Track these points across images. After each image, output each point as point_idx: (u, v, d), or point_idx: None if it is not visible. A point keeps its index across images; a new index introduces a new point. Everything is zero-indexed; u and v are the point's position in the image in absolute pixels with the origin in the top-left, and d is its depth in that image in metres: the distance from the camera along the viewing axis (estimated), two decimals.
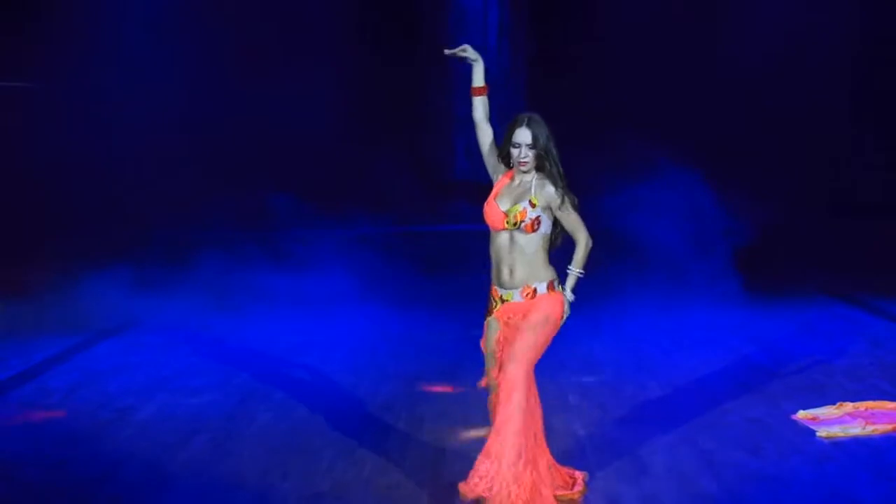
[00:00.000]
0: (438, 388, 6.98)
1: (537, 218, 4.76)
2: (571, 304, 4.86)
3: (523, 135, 4.78)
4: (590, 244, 4.84)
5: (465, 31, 12.69)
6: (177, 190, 11.63)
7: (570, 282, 4.84)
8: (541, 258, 4.81)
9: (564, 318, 4.83)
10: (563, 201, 4.77)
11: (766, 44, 12.37)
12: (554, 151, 4.78)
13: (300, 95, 12.16)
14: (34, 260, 10.21)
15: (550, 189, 4.77)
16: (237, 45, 12.09)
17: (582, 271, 4.84)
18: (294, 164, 12.09)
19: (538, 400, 4.78)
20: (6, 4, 11.39)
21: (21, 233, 10.70)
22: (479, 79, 4.96)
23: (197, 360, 7.79)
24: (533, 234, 4.77)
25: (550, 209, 4.79)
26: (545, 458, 4.84)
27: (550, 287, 4.81)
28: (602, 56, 12.51)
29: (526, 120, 4.81)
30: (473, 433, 5.77)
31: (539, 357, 4.77)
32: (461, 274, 9.61)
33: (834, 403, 6.20)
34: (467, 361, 7.23)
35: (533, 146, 4.77)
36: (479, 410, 5.46)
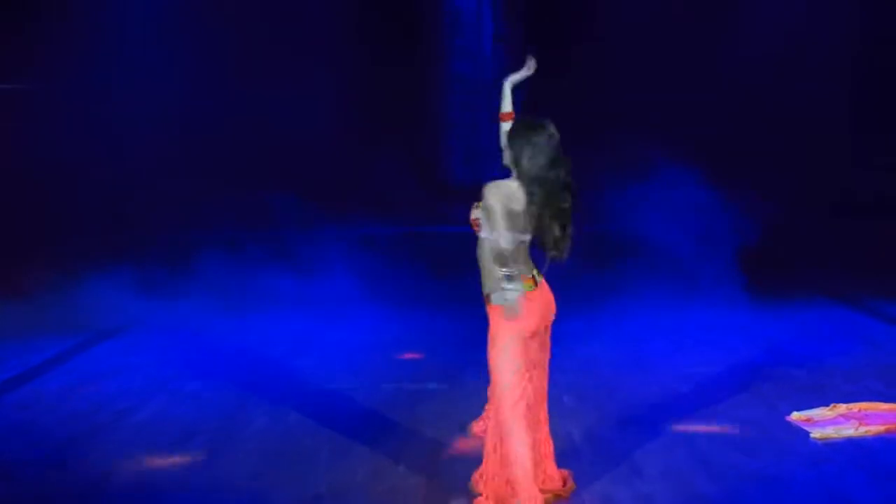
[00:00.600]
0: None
1: (476, 219, 4.76)
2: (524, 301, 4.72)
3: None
4: (498, 247, 4.60)
5: (459, 34, 12.69)
6: (175, 191, 11.63)
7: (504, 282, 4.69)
8: (487, 268, 4.75)
9: (511, 317, 4.68)
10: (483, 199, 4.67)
11: (765, 44, 12.36)
12: (513, 149, 4.70)
13: (298, 96, 12.17)
14: (32, 260, 10.22)
15: (484, 190, 4.66)
16: (235, 47, 12.09)
17: (507, 271, 4.63)
18: (293, 165, 12.09)
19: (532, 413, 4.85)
20: (5, 5, 11.39)
21: (19, 233, 10.71)
22: (507, 104, 5.15)
23: (194, 362, 7.80)
24: (480, 238, 4.76)
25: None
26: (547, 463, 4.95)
27: (487, 301, 4.77)
28: (597, 58, 12.51)
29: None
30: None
31: (505, 375, 4.69)
32: (460, 276, 9.62)
33: (828, 405, 6.22)
34: (465, 363, 7.25)
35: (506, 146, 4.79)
36: (479, 413, 5.49)
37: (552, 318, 4.93)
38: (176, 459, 5.60)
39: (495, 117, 5.31)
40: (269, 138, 12.21)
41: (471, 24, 12.64)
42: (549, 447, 5.01)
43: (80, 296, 9.50)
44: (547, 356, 4.96)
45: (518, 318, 4.68)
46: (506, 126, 5.04)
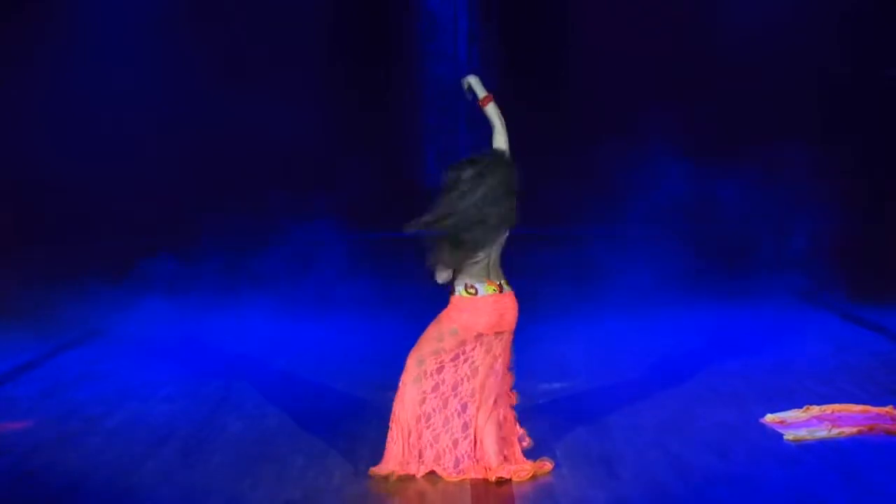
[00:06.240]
0: None
1: None
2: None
3: None
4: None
5: (435, 39, 12.70)
6: (146, 196, 11.56)
7: None
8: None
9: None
10: None
11: (738, 41, 12.34)
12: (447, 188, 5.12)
13: (274, 103, 12.12)
14: (2, 268, 10.12)
15: None
16: (210, 51, 12.03)
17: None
18: (265, 171, 12.06)
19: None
20: None
21: None
22: (480, 91, 5.40)
23: (167, 368, 7.75)
24: None
25: None
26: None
27: (451, 292, 5.27)
28: (574, 61, 12.56)
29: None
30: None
31: (424, 348, 5.24)
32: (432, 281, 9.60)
33: (801, 407, 6.26)
34: None
35: None
36: None
37: (509, 328, 5.24)
38: (148, 466, 5.55)
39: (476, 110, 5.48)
40: (244, 143, 12.16)
41: (446, 27, 12.66)
42: (479, 447, 5.23)
43: (48, 302, 9.42)
44: (492, 361, 5.22)
45: (466, 314, 5.12)
46: (489, 110, 5.32)
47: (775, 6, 11.91)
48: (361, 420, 6.28)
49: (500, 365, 5.28)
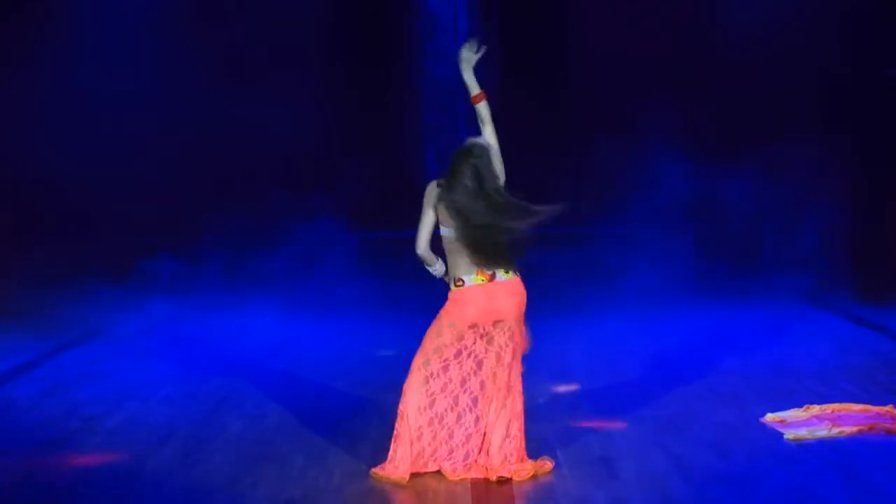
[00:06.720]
0: None
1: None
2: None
3: None
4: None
5: (435, 39, 12.70)
6: (144, 198, 11.55)
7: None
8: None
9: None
10: None
11: (739, 41, 12.32)
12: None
13: (275, 103, 12.10)
14: (2, 268, 10.12)
15: None
16: (209, 55, 12.02)
17: (428, 268, 5.35)
18: (265, 171, 12.05)
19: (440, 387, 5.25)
20: None
21: None
22: (473, 87, 5.43)
23: (167, 368, 7.75)
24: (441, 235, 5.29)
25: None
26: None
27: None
28: (574, 61, 12.55)
29: None
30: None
31: (426, 345, 5.25)
32: (433, 281, 9.60)
33: (801, 406, 6.26)
34: None
35: None
36: None
37: (507, 316, 5.19)
38: (148, 466, 5.55)
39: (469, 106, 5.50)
40: (244, 143, 12.15)
41: (446, 27, 12.65)
42: (486, 441, 5.24)
43: (48, 302, 9.42)
44: (497, 352, 5.22)
45: (459, 307, 5.16)
46: (480, 107, 5.40)
47: (775, 6, 11.87)
48: (361, 420, 6.29)
49: (509, 355, 5.23)
